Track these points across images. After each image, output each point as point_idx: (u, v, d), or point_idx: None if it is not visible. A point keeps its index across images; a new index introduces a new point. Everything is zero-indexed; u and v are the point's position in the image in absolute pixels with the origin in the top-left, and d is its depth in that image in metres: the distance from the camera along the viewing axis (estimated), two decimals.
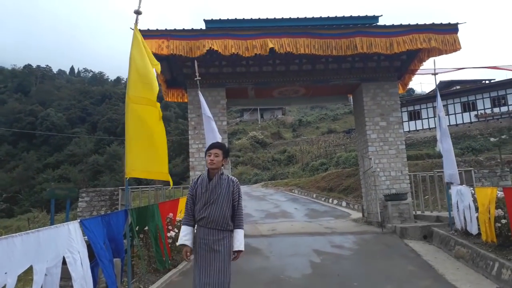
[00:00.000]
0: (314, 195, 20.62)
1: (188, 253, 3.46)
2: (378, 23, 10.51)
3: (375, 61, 11.18)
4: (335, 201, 17.97)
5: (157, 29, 9.69)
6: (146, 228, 5.91)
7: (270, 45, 9.33)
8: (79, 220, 4.09)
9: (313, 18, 10.72)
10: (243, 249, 3.47)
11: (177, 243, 3.70)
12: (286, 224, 12.07)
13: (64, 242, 3.80)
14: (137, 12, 5.29)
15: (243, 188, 27.16)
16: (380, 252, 7.49)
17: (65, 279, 3.86)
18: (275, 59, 10.95)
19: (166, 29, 9.69)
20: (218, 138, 8.26)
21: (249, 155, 43.74)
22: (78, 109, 74.27)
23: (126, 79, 5.09)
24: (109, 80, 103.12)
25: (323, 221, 12.73)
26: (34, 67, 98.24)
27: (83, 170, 53.44)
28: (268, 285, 5.57)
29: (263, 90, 11.96)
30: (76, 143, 62.76)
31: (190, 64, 9.82)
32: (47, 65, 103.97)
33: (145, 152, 4.80)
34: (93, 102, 76.31)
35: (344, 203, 17.03)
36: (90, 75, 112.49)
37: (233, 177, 3.65)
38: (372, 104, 11.15)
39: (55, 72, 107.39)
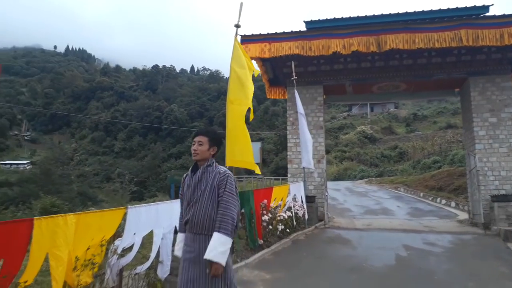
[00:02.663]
0: (421, 194, 19.68)
1: None
2: (487, 14, 9.84)
3: (485, 54, 10.46)
4: (443, 201, 16.99)
5: (260, 34, 10.58)
6: (243, 210, 6.82)
7: (364, 47, 9.53)
8: None
9: (414, 12, 10.51)
10: (212, 259, 2.53)
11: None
12: (383, 221, 12.06)
13: (176, 214, 4.85)
14: (237, 26, 6.13)
15: (345, 184, 27.14)
16: (475, 252, 7.27)
17: None
18: (373, 55, 11.01)
19: (268, 33, 10.54)
20: (308, 135, 8.83)
21: (356, 151, 42.91)
22: (197, 105, 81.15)
23: None
24: (225, 77, 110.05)
25: (424, 220, 12.35)
26: (161, 67, 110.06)
27: None
28: (349, 271, 6.01)
29: (361, 86, 12.08)
30: None
31: (290, 64, 10.52)
32: (171, 65, 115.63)
33: (239, 145, 5.67)
34: (210, 99, 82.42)
35: (453, 204, 16.03)
36: (207, 73, 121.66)
37: (223, 168, 2.89)
38: (481, 99, 10.48)
39: (178, 71, 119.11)
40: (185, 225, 2.87)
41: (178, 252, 2.92)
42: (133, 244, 4.19)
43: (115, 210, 4.02)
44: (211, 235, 2.66)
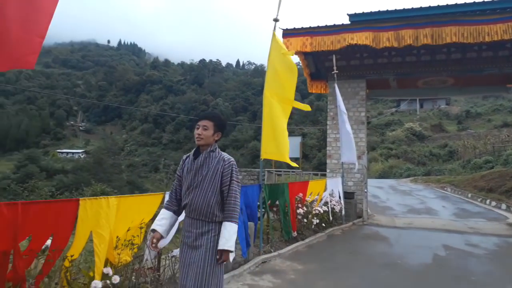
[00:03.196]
0: (469, 195, 18.78)
1: (154, 240, 2.79)
2: None
3: None
4: (493, 203, 16.12)
5: (302, 27, 10.57)
6: (277, 202, 6.95)
7: (408, 40, 9.26)
8: None
9: (464, 3, 10.04)
10: (230, 248, 2.63)
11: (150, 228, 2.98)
12: (426, 220, 11.70)
13: None
14: (275, 20, 6.22)
15: (390, 182, 26.40)
16: None
17: None
18: (419, 48, 10.67)
19: (310, 27, 10.51)
20: (349, 130, 8.76)
21: (403, 148, 41.57)
22: (241, 99, 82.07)
23: None
24: None
25: (470, 221, 11.84)
26: (207, 61, 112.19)
27: (244, 154, 59.34)
28: (382, 266, 5.96)
29: (406, 81, 11.75)
30: (239, 130, 69.78)
31: (332, 58, 10.45)
32: (218, 59, 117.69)
33: (274, 139, 5.79)
34: (254, 93, 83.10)
35: (503, 206, 15.19)
36: (252, 67, 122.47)
37: (226, 156, 2.86)
38: None
39: (223, 66, 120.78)
40: (184, 208, 2.86)
41: (158, 227, 2.81)
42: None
43: (153, 195, 4.29)
44: (208, 222, 2.70)
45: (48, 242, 3.07)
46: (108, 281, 3.30)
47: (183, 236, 2.83)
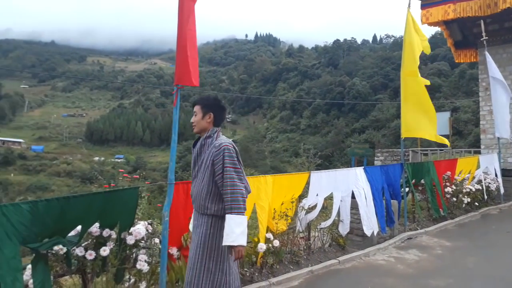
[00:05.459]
0: None
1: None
2: None
3: None
4: None
5: None
6: (423, 181, 6.87)
7: None
8: (363, 167, 5.68)
9: None
10: (232, 243, 2.33)
11: None
12: None
13: (353, 180, 5.44)
14: None
15: None
16: None
17: (355, 209, 5.41)
18: None
19: None
20: (505, 101, 7.96)
21: None
22: (380, 76, 78.27)
23: None
24: None
25: None
26: (342, 41, 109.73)
27: (385, 134, 56.89)
28: None
29: None
30: (379, 109, 66.89)
31: (480, 23, 9.52)
32: (352, 37, 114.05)
33: (415, 115, 5.79)
34: (394, 68, 78.34)
35: None
36: (391, 40, 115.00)
37: (221, 140, 2.58)
38: None
39: (359, 43, 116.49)
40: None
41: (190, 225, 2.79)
42: (316, 204, 5.00)
43: (301, 174, 4.91)
44: (201, 214, 2.56)
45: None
46: (270, 245, 4.02)
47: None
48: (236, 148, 2.58)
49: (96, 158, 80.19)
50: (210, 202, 2.51)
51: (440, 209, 6.91)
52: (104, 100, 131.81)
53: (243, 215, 2.39)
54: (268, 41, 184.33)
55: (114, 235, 2.99)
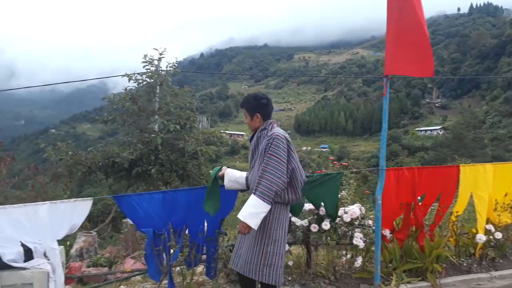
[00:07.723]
0: None
1: None
2: None
3: None
4: None
5: None
6: None
7: None
8: None
9: None
10: (243, 219, 2.51)
11: None
12: None
13: None
14: None
15: None
16: None
17: None
18: None
19: None
20: None
21: None
22: None
23: None
24: None
25: None
26: None
27: None
28: None
29: None
30: None
31: None
32: None
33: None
34: None
35: None
36: None
37: (273, 130, 2.68)
38: None
39: None
40: None
41: None
42: None
43: None
44: None
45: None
46: (491, 237, 3.78)
47: None
48: (288, 138, 2.69)
49: (304, 148, 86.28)
50: None
51: None
52: (309, 94, 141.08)
53: (264, 201, 2.49)
54: (486, 12, 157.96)
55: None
